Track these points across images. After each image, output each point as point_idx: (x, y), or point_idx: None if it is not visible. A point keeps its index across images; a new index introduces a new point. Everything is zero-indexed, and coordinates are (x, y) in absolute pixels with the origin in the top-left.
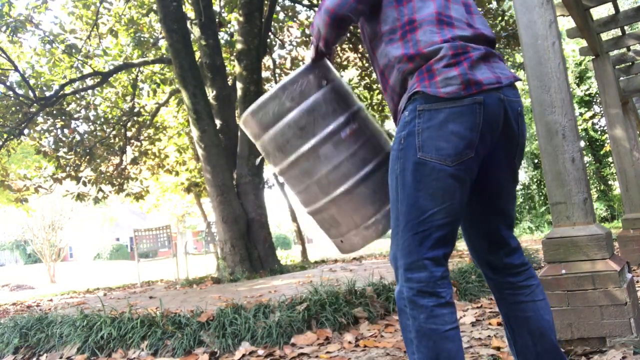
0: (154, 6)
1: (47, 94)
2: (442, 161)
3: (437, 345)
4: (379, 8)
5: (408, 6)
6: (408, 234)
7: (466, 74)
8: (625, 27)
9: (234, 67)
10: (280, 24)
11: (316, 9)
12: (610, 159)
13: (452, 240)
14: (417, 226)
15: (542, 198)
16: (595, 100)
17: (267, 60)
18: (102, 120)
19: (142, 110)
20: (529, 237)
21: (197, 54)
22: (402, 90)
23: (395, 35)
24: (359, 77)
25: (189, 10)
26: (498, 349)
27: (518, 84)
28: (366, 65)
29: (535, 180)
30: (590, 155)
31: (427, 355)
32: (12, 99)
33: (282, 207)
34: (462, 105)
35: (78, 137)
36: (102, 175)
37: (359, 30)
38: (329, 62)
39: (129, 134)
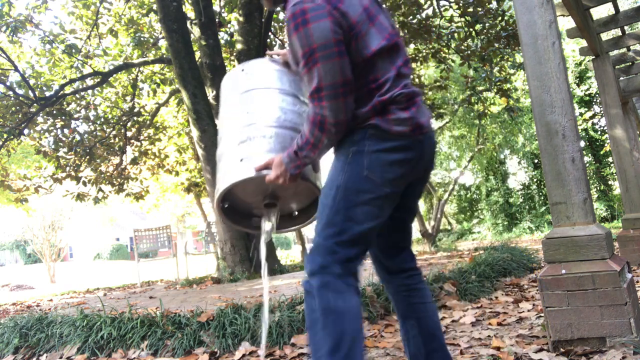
0: (154, 6)
1: (47, 94)
2: (384, 183)
3: (343, 322)
4: None
5: (372, 69)
6: (338, 239)
7: (415, 118)
8: (625, 27)
9: (234, 67)
10: (280, 24)
11: None
12: (610, 159)
13: (366, 252)
14: (350, 236)
15: (542, 198)
16: (595, 100)
17: None
18: (102, 120)
19: (142, 110)
20: (529, 237)
21: (197, 54)
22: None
23: (360, 92)
24: None
25: (189, 10)
26: (498, 349)
27: (518, 84)
28: None
29: (535, 180)
30: (590, 155)
31: (332, 330)
32: (12, 99)
33: None
34: (406, 141)
35: (78, 137)
36: (102, 175)
37: None
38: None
39: (129, 134)
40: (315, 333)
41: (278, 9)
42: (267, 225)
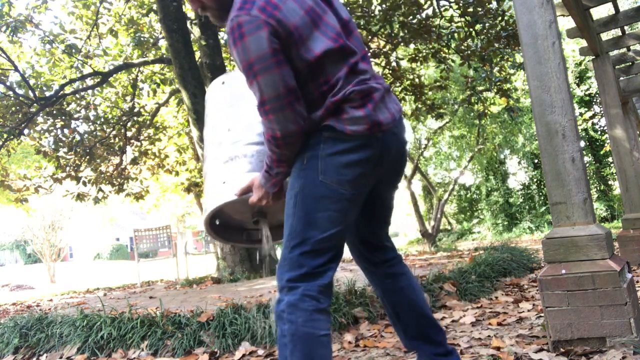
0: (154, 6)
1: (47, 94)
2: (342, 186)
3: (312, 350)
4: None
5: (321, 71)
6: (302, 249)
7: (371, 116)
8: (625, 27)
9: (233, 67)
10: None
11: None
12: (610, 159)
13: (340, 255)
14: (313, 244)
15: (542, 198)
16: (595, 100)
17: None
18: (102, 120)
19: (142, 110)
20: (529, 237)
21: (197, 54)
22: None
23: (312, 95)
24: None
25: (189, 10)
26: (498, 349)
27: (518, 84)
28: None
29: (535, 180)
30: (590, 155)
31: (300, 358)
32: (12, 99)
33: None
34: (362, 140)
35: (78, 137)
36: (102, 175)
37: None
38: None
39: (129, 134)
40: (284, 358)
41: None
42: (263, 240)
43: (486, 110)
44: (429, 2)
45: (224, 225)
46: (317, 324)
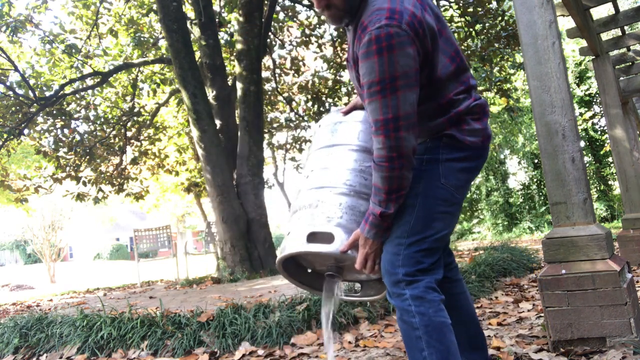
0: (154, 6)
1: (47, 94)
2: (456, 190)
3: (446, 337)
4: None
5: (444, 88)
6: (420, 247)
7: (486, 129)
8: (625, 27)
9: (234, 67)
10: (280, 24)
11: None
12: (610, 159)
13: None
14: (430, 243)
15: (542, 198)
16: (595, 100)
17: (267, 60)
18: (102, 120)
19: (142, 110)
20: (529, 237)
21: (197, 54)
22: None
23: (433, 107)
24: None
25: (189, 10)
26: (498, 349)
27: (518, 84)
28: None
29: (535, 180)
30: (590, 155)
31: (439, 348)
32: (12, 99)
33: (282, 207)
34: (477, 150)
35: (78, 137)
36: (102, 175)
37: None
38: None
39: (129, 134)
40: (420, 350)
41: (278, 8)
42: (330, 293)
43: None
44: None
45: (294, 261)
46: (444, 313)
